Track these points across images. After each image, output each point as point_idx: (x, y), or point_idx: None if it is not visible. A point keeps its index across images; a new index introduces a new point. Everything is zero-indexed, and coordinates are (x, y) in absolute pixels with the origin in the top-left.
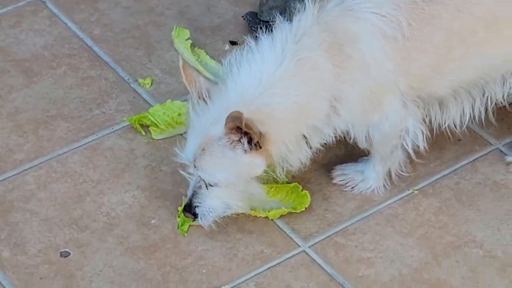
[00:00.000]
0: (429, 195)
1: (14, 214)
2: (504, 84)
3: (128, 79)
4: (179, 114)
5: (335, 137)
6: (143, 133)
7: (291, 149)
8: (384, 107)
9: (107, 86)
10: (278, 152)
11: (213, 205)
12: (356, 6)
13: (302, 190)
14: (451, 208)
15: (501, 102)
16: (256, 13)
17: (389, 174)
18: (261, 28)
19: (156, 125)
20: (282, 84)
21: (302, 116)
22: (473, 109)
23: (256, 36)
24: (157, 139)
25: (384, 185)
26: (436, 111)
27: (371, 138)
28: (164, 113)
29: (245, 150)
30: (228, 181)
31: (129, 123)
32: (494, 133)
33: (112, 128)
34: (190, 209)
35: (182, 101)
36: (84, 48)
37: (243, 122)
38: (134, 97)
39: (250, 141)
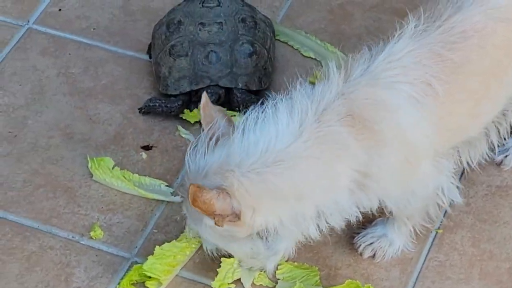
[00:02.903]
0: (454, 229)
1: None
2: None
3: (73, 237)
4: (174, 257)
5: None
6: None
7: (287, 225)
8: (420, 174)
9: (57, 257)
10: (268, 226)
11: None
12: (383, 74)
13: (364, 285)
14: (483, 232)
15: None
16: (153, 99)
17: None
18: (175, 107)
19: (154, 278)
20: (291, 162)
21: (309, 194)
22: (500, 136)
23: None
24: None
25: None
26: (466, 153)
27: (406, 205)
28: (160, 264)
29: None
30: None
31: None
32: None
33: None
34: None
35: (169, 241)
36: None
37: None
38: (97, 255)
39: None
